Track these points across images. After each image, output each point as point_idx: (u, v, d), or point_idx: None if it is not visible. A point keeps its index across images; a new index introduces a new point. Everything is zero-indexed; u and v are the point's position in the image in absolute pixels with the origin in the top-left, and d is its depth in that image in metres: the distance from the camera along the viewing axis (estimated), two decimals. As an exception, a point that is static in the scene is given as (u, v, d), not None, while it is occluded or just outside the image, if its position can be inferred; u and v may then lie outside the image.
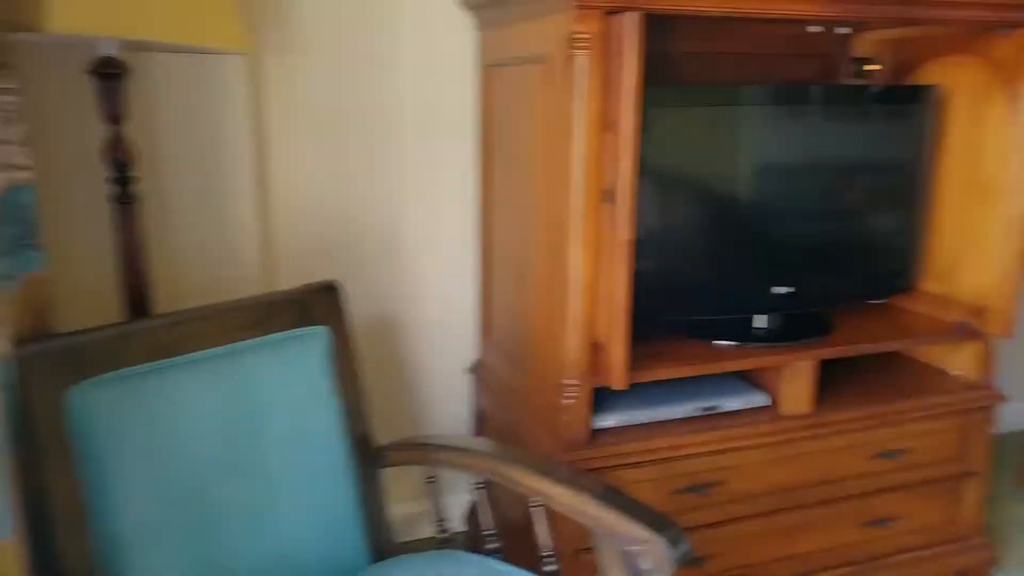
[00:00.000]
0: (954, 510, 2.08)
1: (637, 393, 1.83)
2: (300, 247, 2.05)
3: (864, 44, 2.22)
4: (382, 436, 1.63)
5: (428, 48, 2.04)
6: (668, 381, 1.82)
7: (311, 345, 1.49)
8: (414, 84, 2.05)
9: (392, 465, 1.60)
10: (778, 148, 1.87)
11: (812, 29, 1.89)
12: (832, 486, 1.93)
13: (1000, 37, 1.86)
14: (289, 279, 1.79)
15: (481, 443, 1.69)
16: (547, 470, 1.36)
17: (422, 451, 1.56)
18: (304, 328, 1.49)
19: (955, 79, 1.98)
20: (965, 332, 2.02)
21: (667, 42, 2.08)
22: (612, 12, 1.46)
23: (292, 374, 1.45)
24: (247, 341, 1.41)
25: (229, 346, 1.39)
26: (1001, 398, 2.04)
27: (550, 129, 1.63)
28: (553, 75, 1.58)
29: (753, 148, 1.85)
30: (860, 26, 2.16)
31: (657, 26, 2.05)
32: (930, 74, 2.04)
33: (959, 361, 2.08)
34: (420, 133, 2.09)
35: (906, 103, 1.95)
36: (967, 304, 2.03)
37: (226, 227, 1.97)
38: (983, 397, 2.03)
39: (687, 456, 1.78)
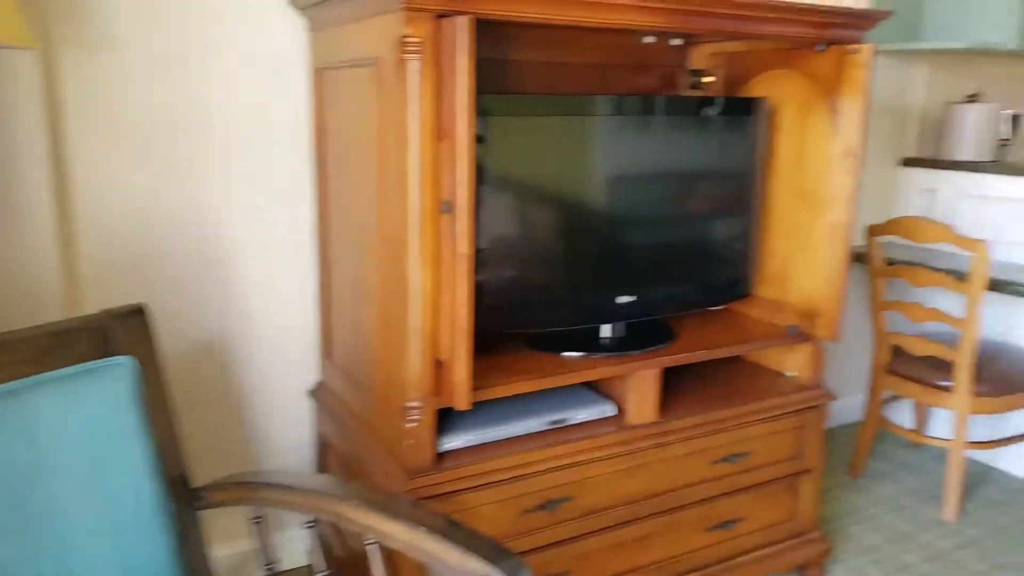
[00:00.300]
0: (793, 507, 2.17)
1: (485, 410, 1.77)
2: (111, 267, 1.84)
3: (700, 57, 2.28)
4: (212, 473, 1.47)
5: (255, 48, 1.89)
6: (518, 395, 1.77)
7: (112, 378, 1.31)
8: (239, 87, 1.89)
9: (213, 507, 1.44)
10: (619, 158, 1.87)
11: (647, 40, 1.91)
12: (679, 493, 1.95)
13: (818, 54, 1.95)
14: (98, 304, 1.59)
15: (310, 479, 1.57)
16: (381, 505, 1.26)
17: (245, 490, 1.41)
18: (103, 360, 1.31)
19: (782, 92, 2.07)
20: (797, 336, 2.10)
21: (512, 51, 2.04)
22: (442, 15, 1.39)
23: (87, 413, 1.27)
24: (28, 378, 1.22)
25: (5, 385, 1.20)
26: (832, 397, 2.14)
27: (384, 136, 1.53)
28: (385, 80, 1.49)
29: (595, 158, 1.84)
30: (692, 39, 2.22)
31: (503, 34, 2.02)
32: (760, 87, 2.12)
33: (793, 363, 2.17)
34: (248, 140, 1.93)
35: (739, 114, 2.01)
36: (798, 308, 2.12)
37: (15, 246, 1.73)
38: (816, 397, 2.12)
39: (536, 473, 1.73)
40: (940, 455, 2.92)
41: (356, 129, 1.69)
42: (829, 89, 1.95)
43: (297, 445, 2.16)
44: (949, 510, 2.52)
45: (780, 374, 2.19)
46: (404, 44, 1.38)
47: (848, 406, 3.20)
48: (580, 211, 1.86)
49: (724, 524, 2.04)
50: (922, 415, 3.02)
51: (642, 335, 1.97)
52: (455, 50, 1.37)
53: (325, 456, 2.09)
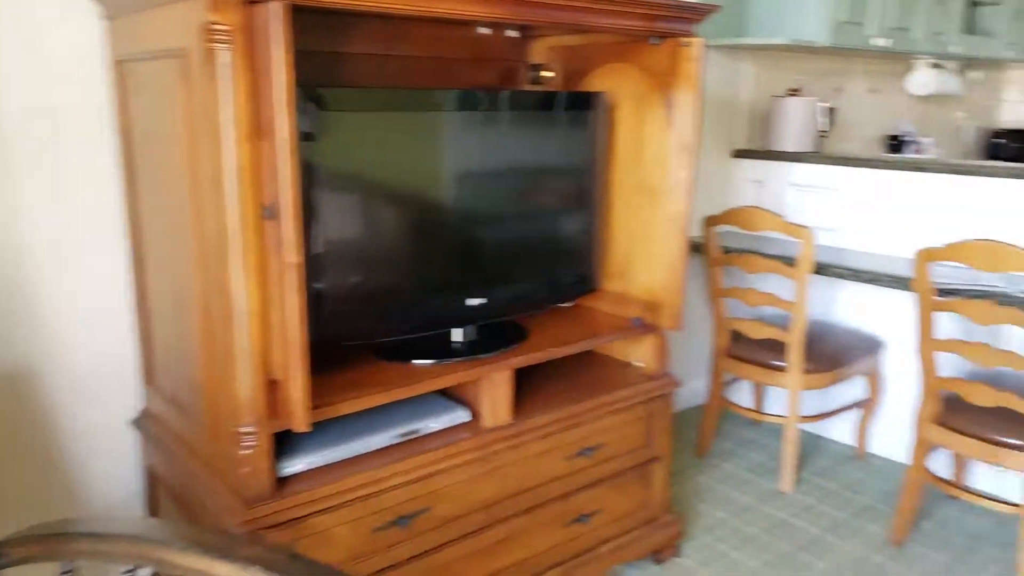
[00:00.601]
0: (645, 494, 2.21)
1: (332, 427, 1.66)
2: None
3: (540, 51, 2.26)
4: (20, 522, 1.27)
5: (38, 40, 1.66)
6: (370, 408, 1.68)
7: None
8: (19, 85, 1.66)
9: (14, 564, 1.25)
10: (461, 154, 1.81)
11: (482, 31, 1.86)
12: (535, 492, 1.93)
13: (653, 48, 1.98)
14: None
15: (127, 523, 1.40)
16: (209, 545, 1.13)
17: (50, 543, 1.23)
18: None
19: (620, 86, 2.08)
20: (641, 327, 2.13)
21: (346, 43, 1.93)
22: (254, 1, 1.26)
23: None
24: None
25: None
26: (677, 384, 2.20)
27: (196, 137, 1.38)
28: (193, 73, 1.34)
29: (436, 155, 1.77)
30: (529, 31, 2.20)
31: (335, 25, 1.90)
32: (599, 81, 2.13)
33: (640, 354, 2.20)
34: (39, 146, 1.70)
35: (579, 109, 2.01)
36: (642, 300, 2.15)
37: None
38: (662, 386, 2.17)
39: (389, 489, 1.65)
40: (777, 430, 3.10)
41: (165, 129, 1.52)
42: (664, 83, 1.98)
43: (124, 482, 1.95)
44: (786, 481, 2.68)
45: (628, 365, 2.22)
46: (211, 33, 1.24)
47: (693, 389, 3.34)
48: (424, 211, 1.78)
49: (581, 518, 2.04)
50: (760, 394, 3.19)
51: (494, 337, 1.93)
52: (270, 40, 1.25)
53: (155, 491, 1.90)
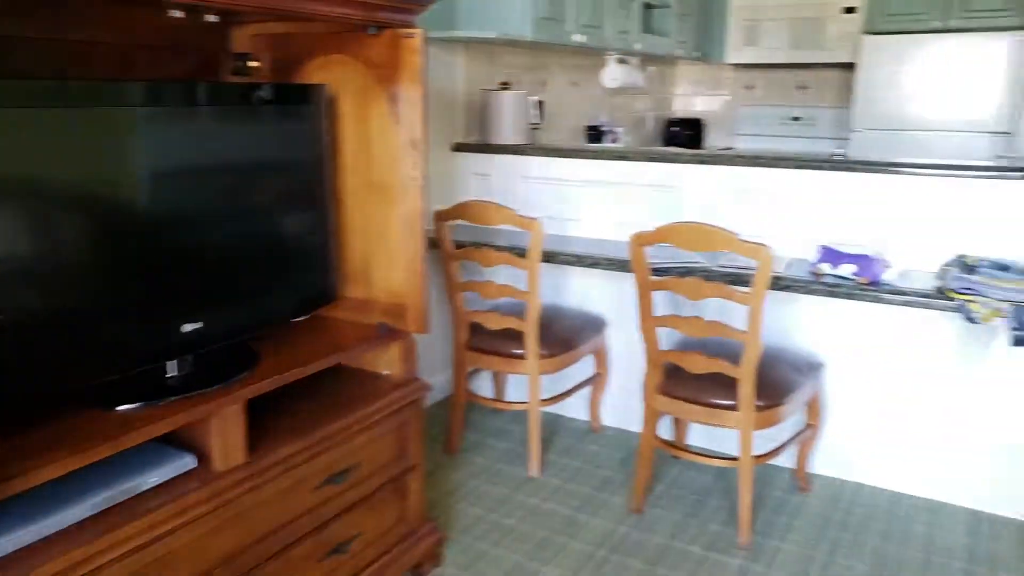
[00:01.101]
0: (403, 508, 2.11)
1: (18, 503, 1.31)
2: None
3: (243, 40, 2.02)
4: None
5: None
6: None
7: None
8: None
9: None
10: (155, 155, 1.53)
11: (175, 14, 1.60)
12: (284, 532, 1.73)
13: (374, 39, 1.85)
14: None
15: None
16: None
17: None
18: None
19: (341, 79, 1.93)
20: (387, 334, 2.02)
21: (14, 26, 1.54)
22: None
23: None
24: None
25: None
26: (428, 388, 2.12)
27: None
28: None
29: (123, 156, 1.48)
30: (230, 17, 1.95)
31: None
32: (317, 73, 1.95)
33: (388, 362, 2.09)
34: None
35: (294, 103, 1.82)
36: (385, 305, 2.03)
37: None
38: (413, 392, 2.07)
39: (102, 568, 1.35)
40: (521, 417, 3.17)
41: None
42: (387, 76, 1.87)
43: None
44: (533, 467, 2.74)
45: (379, 375, 2.10)
46: None
47: (438, 384, 3.30)
48: (120, 224, 1.48)
49: (339, 548, 1.88)
50: (500, 382, 3.25)
51: (218, 366, 1.68)
52: None
53: None
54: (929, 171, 2.42)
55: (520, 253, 2.57)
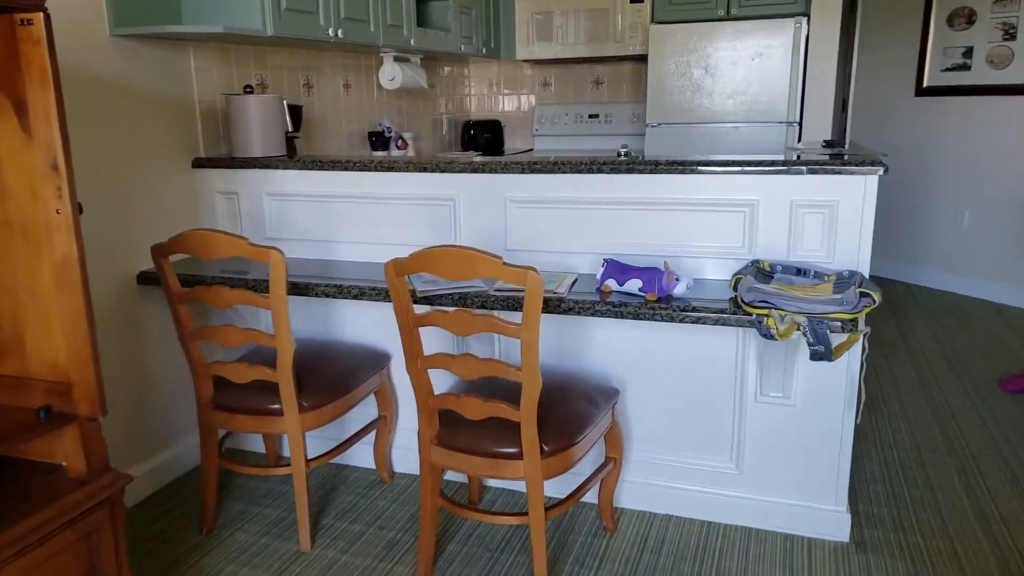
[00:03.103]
0: (101, 643, 1.61)
1: None
2: None
3: None
4: None
5: None
6: None
7: None
8: None
9: None
10: None
11: None
12: None
13: (-27, 26, 1.35)
14: None
15: None
16: None
17: None
18: None
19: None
20: (53, 420, 1.52)
21: None
22: None
23: None
24: None
25: None
26: (127, 479, 1.63)
27: None
28: None
29: None
30: None
31: None
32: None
33: (65, 452, 1.58)
34: None
35: None
36: (47, 382, 1.53)
37: None
38: (103, 488, 1.58)
39: None
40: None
41: None
42: (6, 79, 1.37)
43: None
44: (304, 540, 2.30)
45: (60, 468, 1.59)
46: None
47: (188, 449, 2.77)
48: None
49: None
50: (272, 440, 2.78)
51: None
52: None
53: None
54: (714, 168, 2.23)
55: (264, 289, 2.13)
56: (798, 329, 1.93)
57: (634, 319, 2.06)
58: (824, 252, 2.18)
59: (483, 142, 5.05)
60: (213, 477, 2.38)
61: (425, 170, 2.51)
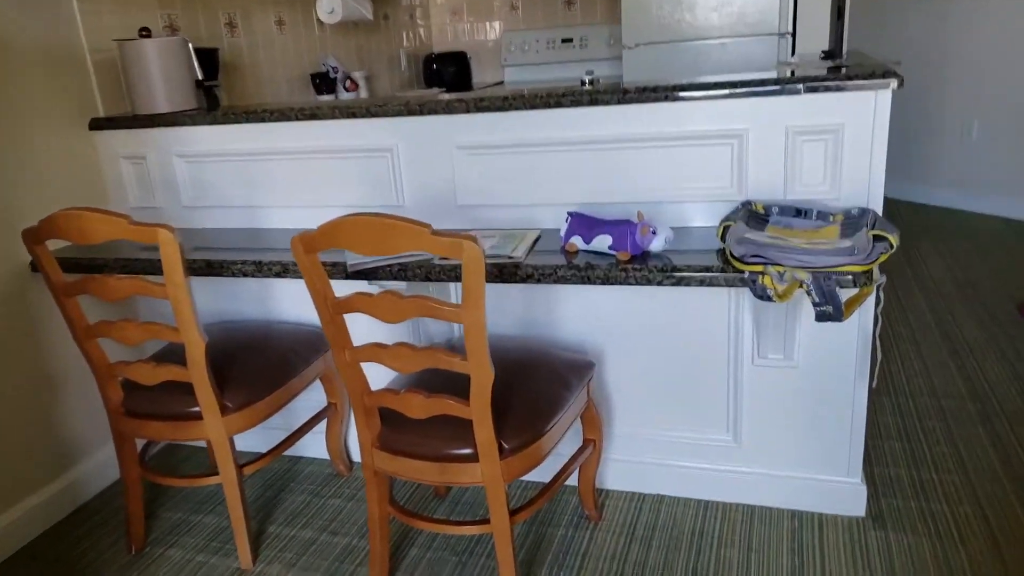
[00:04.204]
0: None
1: None
2: None
3: None
4: None
5: None
6: None
7: None
8: None
9: None
10: None
11: None
12: None
13: None
14: None
15: None
16: None
17: None
18: None
19: None
20: None
21: None
22: None
23: None
24: None
25: None
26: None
27: None
28: None
29: None
30: None
31: None
32: None
33: None
34: None
35: None
36: None
37: None
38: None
39: None
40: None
41: None
42: None
43: None
44: (243, 557, 2.01)
45: None
46: None
47: (110, 459, 2.46)
48: None
49: None
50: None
51: None
52: None
53: None
54: (693, 93, 1.85)
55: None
56: (800, 287, 1.59)
57: (603, 283, 1.72)
58: (828, 187, 1.83)
59: (448, 77, 4.61)
60: (137, 489, 2.07)
61: (354, 115, 2.12)
